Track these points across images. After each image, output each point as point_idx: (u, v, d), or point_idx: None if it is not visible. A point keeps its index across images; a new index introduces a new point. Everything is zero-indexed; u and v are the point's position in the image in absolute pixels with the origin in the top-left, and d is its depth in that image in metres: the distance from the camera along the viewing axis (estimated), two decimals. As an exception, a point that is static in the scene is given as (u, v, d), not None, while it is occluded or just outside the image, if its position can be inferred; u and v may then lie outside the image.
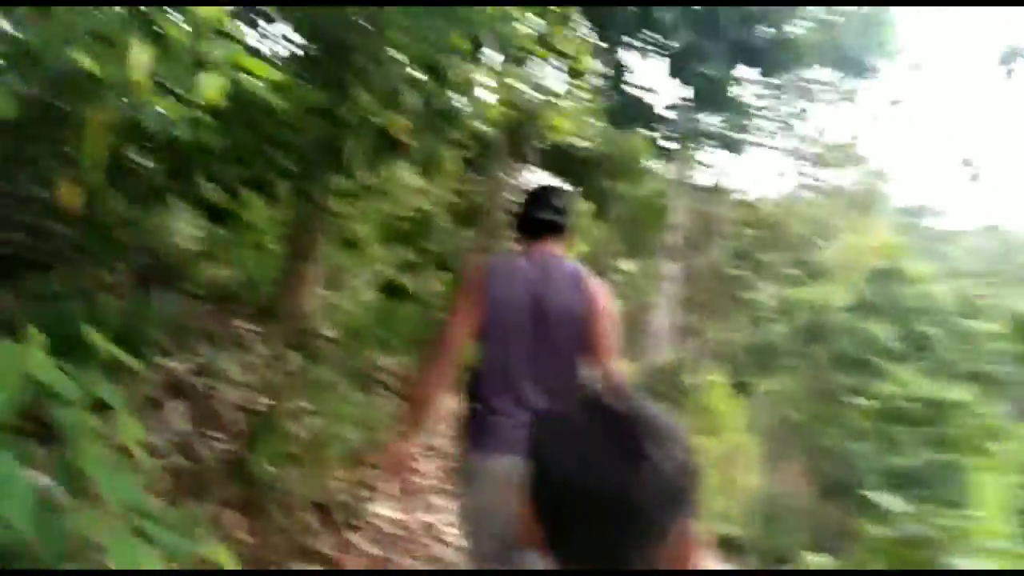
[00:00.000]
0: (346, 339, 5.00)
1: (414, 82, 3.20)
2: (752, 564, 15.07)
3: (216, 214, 3.38)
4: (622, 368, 2.35)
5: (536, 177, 6.43)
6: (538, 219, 2.25)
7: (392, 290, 5.18)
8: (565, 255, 2.27)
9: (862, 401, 12.91)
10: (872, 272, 15.49)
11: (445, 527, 4.13)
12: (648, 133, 5.10)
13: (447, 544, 3.97)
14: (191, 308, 3.82)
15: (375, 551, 3.42)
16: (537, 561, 0.80)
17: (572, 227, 2.31)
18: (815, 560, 12.89)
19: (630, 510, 0.71)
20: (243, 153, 2.82)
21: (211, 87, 1.92)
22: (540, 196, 2.32)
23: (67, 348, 2.63)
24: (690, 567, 0.77)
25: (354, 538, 3.39)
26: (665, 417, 0.77)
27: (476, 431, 2.13)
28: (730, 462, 14.75)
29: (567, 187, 6.09)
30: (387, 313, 5.14)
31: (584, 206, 7.77)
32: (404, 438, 2.21)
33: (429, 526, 4.06)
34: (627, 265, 9.86)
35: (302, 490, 3.06)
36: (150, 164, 2.96)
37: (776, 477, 16.86)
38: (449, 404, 5.15)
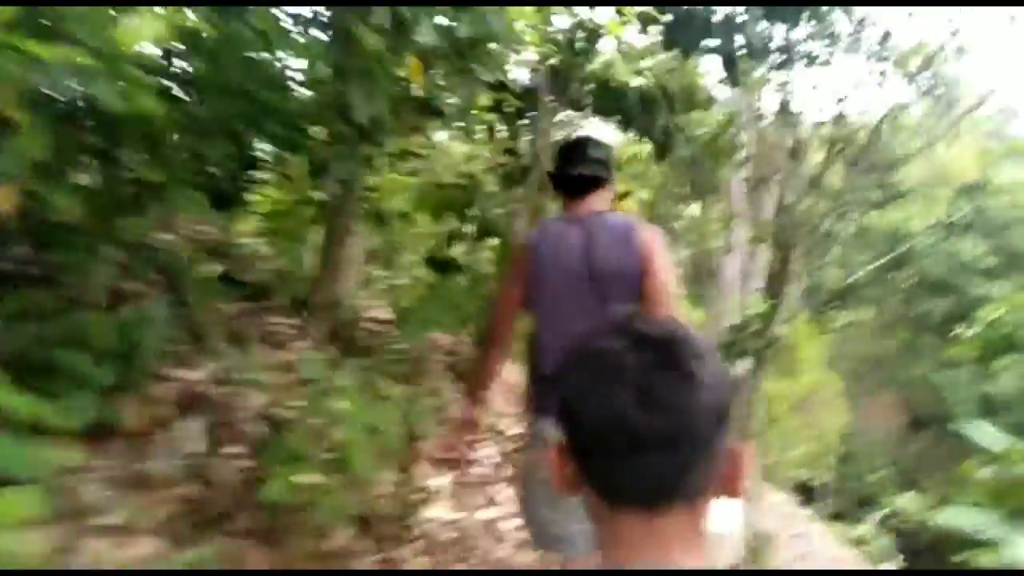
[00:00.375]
0: (396, 322, 4.49)
1: (428, 12, 2.53)
2: (835, 507, 14.24)
3: (222, 201, 2.84)
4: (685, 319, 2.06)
5: (587, 123, 5.72)
6: (576, 176, 2.12)
7: (440, 264, 4.61)
8: (612, 209, 2.17)
9: (955, 327, 11.75)
10: (960, 187, 13.99)
11: (507, 523, 3.62)
12: (710, 54, 4.28)
13: (509, 543, 3.47)
14: (214, 308, 3.36)
15: (425, 562, 2.93)
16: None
17: (614, 178, 2.20)
18: (903, 501, 12.00)
19: (682, 433, 0.66)
20: (229, 126, 2.25)
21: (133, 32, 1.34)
22: (574, 151, 2.18)
23: (39, 376, 2.16)
24: (743, 482, 0.71)
25: (403, 552, 2.91)
26: (694, 332, 0.72)
27: (539, 397, 2.12)
28: (811, 402, 13.86)
29: (608, 133, 5.40)
30: (437, 289, 4.59)
31: (644, 147, 6.98)
32: (468, 413, 2.25)
33: (489, 524, 3.56)
34: (694, 208, 8.98)
35: (337, 506, 2.57)
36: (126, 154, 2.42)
37: (860, 414, 15.84)
38: (511, 381, 4.61)
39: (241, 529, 2.42)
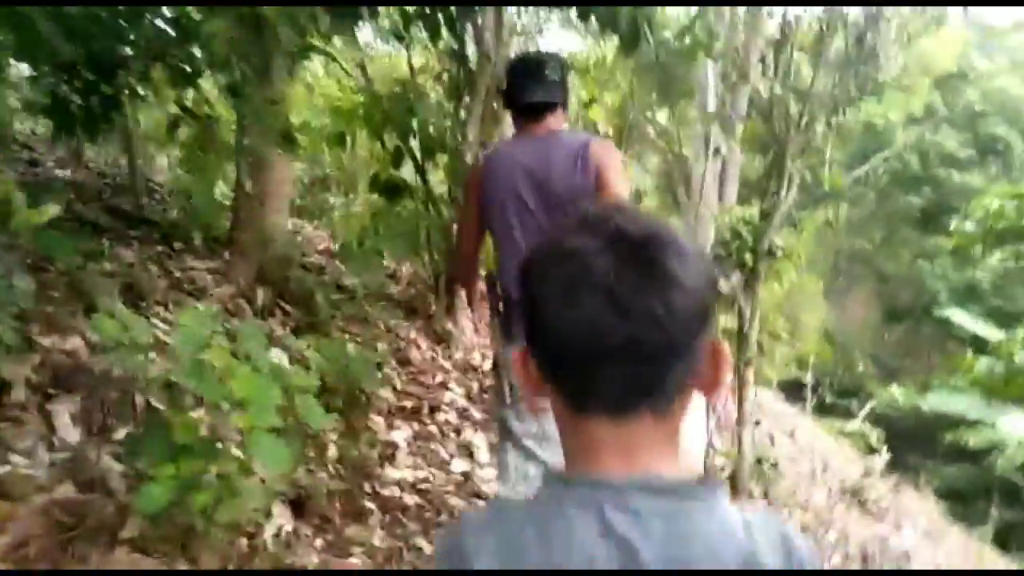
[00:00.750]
0: (340, 256, 3.87)
1: None
2: (821, 401, 14.15)
3: (69, 119, 2.16)
4: None
5: (542, 23, 4.96)
6: (528, 102, 2.05)
7: (386, 187, 3.94)
8: (565, 128, 2.12)
9: (935, 219, 11.29)
10: (939, 78, 13.24)
11: (483, 472, 3.11)
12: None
13: (487, 499, 2.96)
14: (113, 256, 2.72)
15: (383, 542, 2.42)
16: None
17: (569, 97, 2.14)
18: (892, 391, 11.86)
19: (659, 342, 0.58)
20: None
21: None
22: (528, 72, 2.07)
23: None
24: (722, 383, 0.64)
25: (352, 531, 2.39)
26: (672, 229, 0.63)
27: (505, 322, 2.08)
28: (793, 303, 13.55)
29: (565, 41, 4.64)
30: (385, 215, 3.95)
31: (608, 50, 6.22)
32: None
33: (464, 478, 3.05)
34: (664, 113, 8.20)
35: (251, 496, 2.01)
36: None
37: (840, 308, 15.59)
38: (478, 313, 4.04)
39: (131, 539, 1.87)
